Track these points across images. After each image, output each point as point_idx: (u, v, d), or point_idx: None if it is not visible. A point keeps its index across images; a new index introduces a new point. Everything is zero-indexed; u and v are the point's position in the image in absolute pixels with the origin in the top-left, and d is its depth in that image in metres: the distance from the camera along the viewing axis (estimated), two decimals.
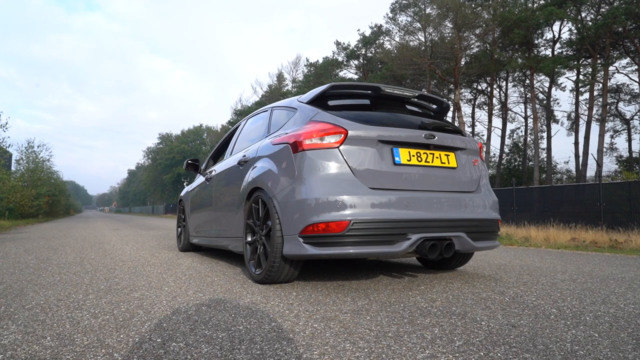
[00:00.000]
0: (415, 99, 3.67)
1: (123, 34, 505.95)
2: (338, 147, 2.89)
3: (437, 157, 3.16)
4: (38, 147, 26.83)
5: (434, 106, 3.81)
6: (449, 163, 3.21)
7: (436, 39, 28.17)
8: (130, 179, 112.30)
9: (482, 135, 34.20)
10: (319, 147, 2.90)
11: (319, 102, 3.32)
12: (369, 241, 2.76)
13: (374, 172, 2.91)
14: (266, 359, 1.67)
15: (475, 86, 33.14)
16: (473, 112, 34.50)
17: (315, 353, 1.74)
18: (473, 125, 34.21)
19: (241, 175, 3.68)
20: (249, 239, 3.42)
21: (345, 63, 37.64)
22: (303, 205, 2.80)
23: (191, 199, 5.41)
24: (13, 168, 25.41)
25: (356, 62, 37.38)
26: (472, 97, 34.60)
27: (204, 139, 67.23)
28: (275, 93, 45.12)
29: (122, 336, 1.94)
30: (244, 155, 3.77)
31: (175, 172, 63.08)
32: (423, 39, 29.12)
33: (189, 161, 5.43)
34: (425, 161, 3.10)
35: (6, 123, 20.37)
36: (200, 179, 5.23)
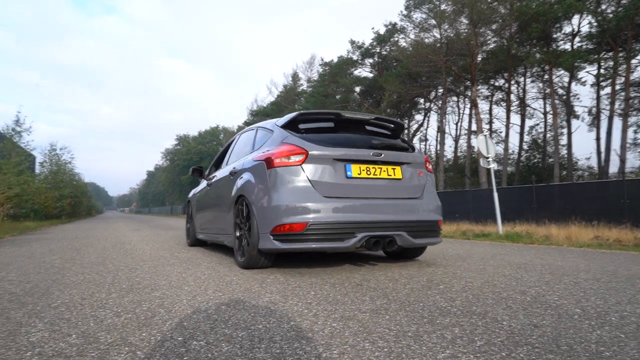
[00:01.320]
0: (373, 121, 4.30)
1: (140, 36, 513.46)
2: (301, 165, 3.63)
3: (384, 171, 3.88)
4: (60, 149, 27.40)
5: (391, 126, 4.45)
6: (395, 175, 3.93)
7: (452, 35, 27.86)
8: (149, 180, 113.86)
9: (500, 132, 33.71)
10: (286, 164, 3.64)
11: (290, 126, 4.04)
12: (324, 238, 3.48)
13: (329, 184, 3.62)
14: (286, 358, 1.68)
15: (492, 82, 32.67)
16: (490, 109, 34.04)
17: (335, 352, 1.74)
18: (491, 122, 33.75)
19: (232, 183, 4.43)
20: (237, 234, 4.17)
21: (360, 62, 37.53)
22: (273, 210, 3.54)
23: (196, 201, 6.20)
24: (37, 170, 26.03)
25: (371, 60, 37.24)
26: (489, 94, 34.13)
27: (221, 139, 67.84)
28: (290, 93, 45.25)
29: (144, 334, 1.97)
30: (234, 167, 4.55)
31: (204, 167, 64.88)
32: (438, 36, 28.84)
33: (194, 167, 6.28)
34: (374, 174, 3.82)
35: (30, 127, 20.89)
36: (203, 184, 5.99)
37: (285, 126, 4.06)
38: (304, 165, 3.63)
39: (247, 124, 51.36)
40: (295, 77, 46.76)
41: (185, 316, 2.28)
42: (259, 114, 48.71)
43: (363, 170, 3.78)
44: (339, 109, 35.80)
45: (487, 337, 1.93)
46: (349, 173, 3.72)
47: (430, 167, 4.33)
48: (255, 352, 1.75)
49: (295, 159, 3.64)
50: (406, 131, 40.47)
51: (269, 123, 4.47)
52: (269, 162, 3.72)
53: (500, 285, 3.15)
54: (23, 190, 16.50)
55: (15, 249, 6.15)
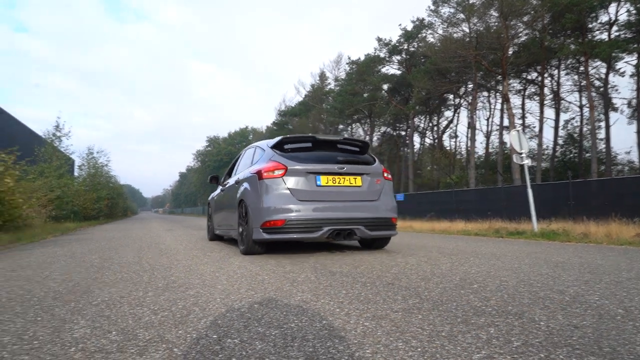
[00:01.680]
0: (342, 141, 5.43)
1: (170, 41, 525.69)
2: (282, 177, 4.80)
3: (346, 180, 4.95)
4: (97, 153, 28.23)
5: (359, 144, 5.54)
6: (355, 183, 5.00)
7: (481, 29, 27.23)
8: (181, 181, 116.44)
9: (534, 127, 32.72)
10: (271, 177, 4.81)
11: (278, 146, 5.22)
12: (299, 231, 4.65)
13: (303, 191, 4.77)
14: (319, 357, 1.69)
15: (524, 76, 31.73)
16: (523, 104, 33.08)
17: (368, 352, 1.73)
18: (523, 117, 32.80)
19: (236, 190, 5.61)
20: (240, 229, 5.33)
21: (387, 59, 37.20)
22: (262, 211, 4.73)
23: (214, 203, 7.51)
24: (76, 173, 27.03)
25: (398, 57, 36.85)
26: (521, 88, 33.16)
27: (250, 140, 68.73)
28: (318, 92, 45.34)
29: (180, 332, 2.02)
30: (238, 177, 5.77)
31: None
32: (467, 30, 28.23)
33: (212, 176, 7.58)
34: (338, 183, 4.92)
35: (69, 132, 21.71)
36: (219, 189, 7.20)
37: (274, 147, 5.25)
38: (284, 177, 4.81)
39: (275, 124, 51.66)
40: (322, 76, 46.83)
41: (219, 314, 2.32)
42: (287, 114, 49.00)
43: (330, 180, 4.90)
44: (364, 106, 35.26)
45: (524, 338, 1.88)
46: (318, 182, 4.85)
47: (387, 175, 5.36)
48: (289, 350, 1.76)
49: (278, 172, 4.83)
50: (435, 128, 39.92)
51: (263, 143, 5.72)
52: (259, 174, 4.92)
53: (537, 285, 3.06)
54: (64, 193, 16.88)
55: (58, 249, 6.42)
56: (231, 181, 6.30)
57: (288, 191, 4.77)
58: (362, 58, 38.57)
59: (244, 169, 5.95)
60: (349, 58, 42.89)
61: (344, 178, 4.97)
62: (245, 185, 5.26)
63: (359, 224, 4.87)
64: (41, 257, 5.28)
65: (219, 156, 67.01)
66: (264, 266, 4.12)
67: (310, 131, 44.94)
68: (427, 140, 41.46)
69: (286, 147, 5.21)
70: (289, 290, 2.93)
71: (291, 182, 4.79)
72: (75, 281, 3.45)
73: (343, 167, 4.97)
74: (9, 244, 7.41)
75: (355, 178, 5.02)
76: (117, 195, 34.48)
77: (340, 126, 43.17)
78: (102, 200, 24.61)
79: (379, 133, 42.64)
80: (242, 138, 70.42)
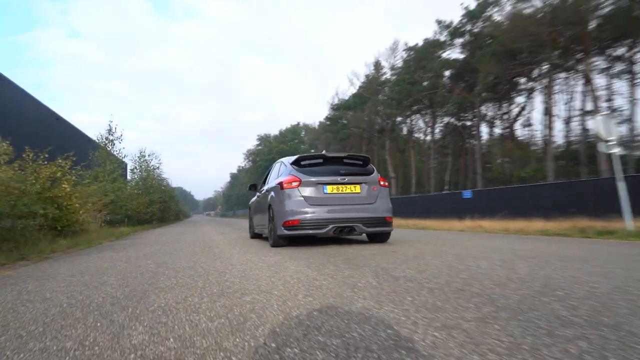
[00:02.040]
0: (347, 157, 7.28)
1: (219, 37, 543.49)
2: (297, 187, 6.68)
3: (348, 188, 6.79)
4: (149, 155, 29.68)
5: (361, 158, 7.35)
6: (355, 190, 6.82)
7: (556, 1, 25.75)
8: (232, 182, 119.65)
9: (624, 110, 30.48)
10: (290, 187, 6.70)
11: (296, 163, 7.16)
12: (310, 227, 6.51)
13: (313, 197, 6.65)
14: None
15: (610, 52, 29.65)
16: (609, 84, 30.91)
17: None
18: (610, 100, 30.65)
19: (267, 197, 7.61)
20: (269, 227, 7.29)
21: (448, 43, 36.21)
22: (283, 213, 6.63)
23: (253, 206, 9.70)
24: (128, 177, 28.57)
25: (461, 40, 35.75)
26: (607, 66, 31.02)
27: (302, 137, 69.33)
28: (372, 83, 45.00)
29: (237, 340, 2.07)
30: (268, 187, 7.74)
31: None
32: (540, 4, 26.80)
33: (251, 185, 10.08)
34: (341, 190, 6.76)
35: (121, 135, 23.02)
36: (257, 195, 9.26)
37: (293, 163, 7.18)
38: (299, 188, 6.70)
39: (328, 119, 51.85)
40: (377, 65, 46.39)
41: (277, 322, 2.35)
42: (341, 108, 48.99)
43: (334, 188, 6.75)
44: (424, 96, 34.32)
45: (623, 354, 1.75)
46: (325, 190, 6.72)
47: (383, 183, 7.12)
48: None
49: (294, 184, 6.72)
50: (505, 116, 38.27)
51: (286, 160, 7.66)
52: (281, 185, 6.83)
53: (636, 292, 2.84)
54: (117, 197, 17.76)
55: (114, 254, 6.84)
56: (264, 189, 8.25)
57: (302, 198, 6.67)
58: (421, 43, 37.82)
59: (272, 180, 7.94)
60: (406, 44, 42.19)
61: (346, 186, 6.81)
62: (272, 193, 7.24)
63: (357, 222, 6.63)
64: (98, 262, 5.64)
65: (270, 155, 68.04)
66: (321, 270, 4.14)
67: (366, 125, 44.74)
68: (497, 131, 39.85)
69: (302, 163, 7.15)
70: (349, 296, 2.92)
71: (304, 191, 6.70)
72: (132, 286, 3.65)
73: (344, 178, 6.84)
74: (68, 249, 7.99)
75: (354, 186, 6.85)
76: (169, 198, 35.47)
77: (399, 118, 42.61)
78: (154, 204, 25.53)
79: (441, 124, 41.58)
80: (294, 135, 71.22)
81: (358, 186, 6.85)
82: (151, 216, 24.98)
